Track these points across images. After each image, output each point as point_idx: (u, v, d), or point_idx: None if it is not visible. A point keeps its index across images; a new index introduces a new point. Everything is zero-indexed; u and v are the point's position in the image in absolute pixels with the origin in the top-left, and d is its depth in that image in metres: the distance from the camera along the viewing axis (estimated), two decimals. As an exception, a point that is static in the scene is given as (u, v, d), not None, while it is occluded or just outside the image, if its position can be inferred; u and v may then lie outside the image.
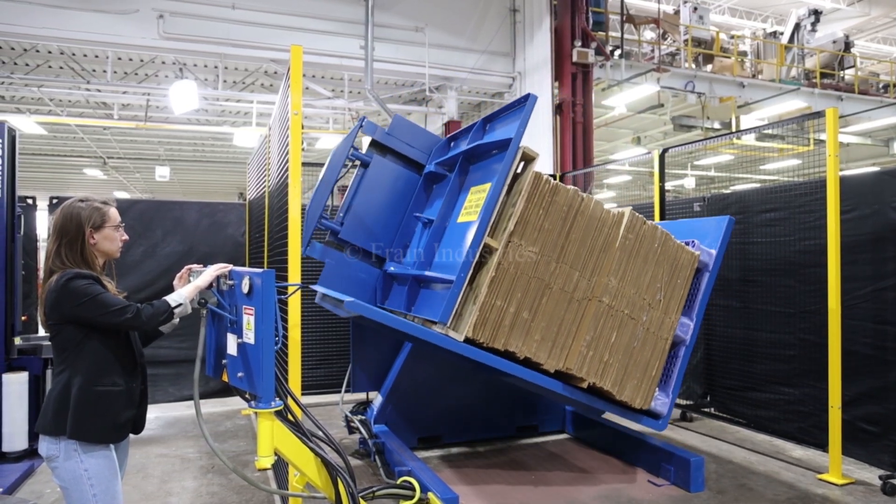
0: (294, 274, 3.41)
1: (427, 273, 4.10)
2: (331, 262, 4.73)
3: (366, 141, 4.87)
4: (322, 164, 5.02)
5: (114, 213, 2.59)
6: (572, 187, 4.06)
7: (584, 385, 4.06)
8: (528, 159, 3.93)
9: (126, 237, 2.66)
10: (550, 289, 3.96)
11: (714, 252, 4.47)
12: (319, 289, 4.47)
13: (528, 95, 3.93)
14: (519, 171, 3.94)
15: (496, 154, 4.13)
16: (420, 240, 4.64)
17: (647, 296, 4.22)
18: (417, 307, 4.22)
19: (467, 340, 3.70)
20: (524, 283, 3.88)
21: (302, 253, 4.78)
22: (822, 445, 4.78)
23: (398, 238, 4.91)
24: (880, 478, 4.44)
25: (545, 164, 10.48)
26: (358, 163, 4.84)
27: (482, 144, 4.24)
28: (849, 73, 16.32)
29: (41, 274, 2.53)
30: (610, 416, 6.10)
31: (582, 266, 4.05)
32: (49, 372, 5.20)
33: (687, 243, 4.48)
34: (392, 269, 4.67)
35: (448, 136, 4.98)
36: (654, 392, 4.28)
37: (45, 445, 2.38)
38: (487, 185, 3.91)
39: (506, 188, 3.85)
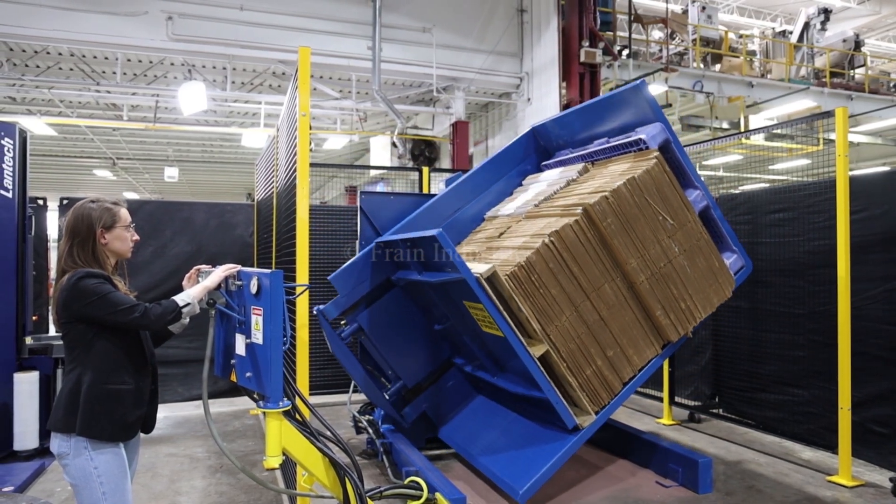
0: (302, 275, 3.42)
1: (521, 392, 4.27)
2: (426, 406, 4.97)
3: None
4: (330, 165, 5.03)
5: (124, 213, 2.62)
6: (539, 242, 3.92)
7: (689, 334, 4.45)
8: (493, 275, 3.80)
9: (137, 237, 2.69)
10: (604, 317, 4.12)
11: (658, 125, 4.34)
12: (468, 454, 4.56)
13: (433, 236, 3.73)
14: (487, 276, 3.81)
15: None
16: (464, 339, 4.69)
17: (663, 237, 4.26)
18: (530, 412, 4.50)
19: (597, 412, 4.08)
20: (588, 338, 4.08)
21: (406, 426, 4.93)
22: (832, 447, 4.75)
23: (441, 336, 5.01)
24: (891, 480, 4.41)
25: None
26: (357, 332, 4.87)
27: (442, 282, 4.20)
28: (859, 73, 16.19)
29: (52, 274, 2.56)
30: (616, 416, 6.09)
31: (603, 276, 4.13)
32: (59, 371, 5.25)
33: (637, 142, 4.39)
34: (469, 369, 4.79)
35: (376, 238, 4.90)
36: (730, 272, 4.54)
37: (56, 443, 2.41)
38: (480, 306, 3.83)
39: (503, 310, 3.81)
